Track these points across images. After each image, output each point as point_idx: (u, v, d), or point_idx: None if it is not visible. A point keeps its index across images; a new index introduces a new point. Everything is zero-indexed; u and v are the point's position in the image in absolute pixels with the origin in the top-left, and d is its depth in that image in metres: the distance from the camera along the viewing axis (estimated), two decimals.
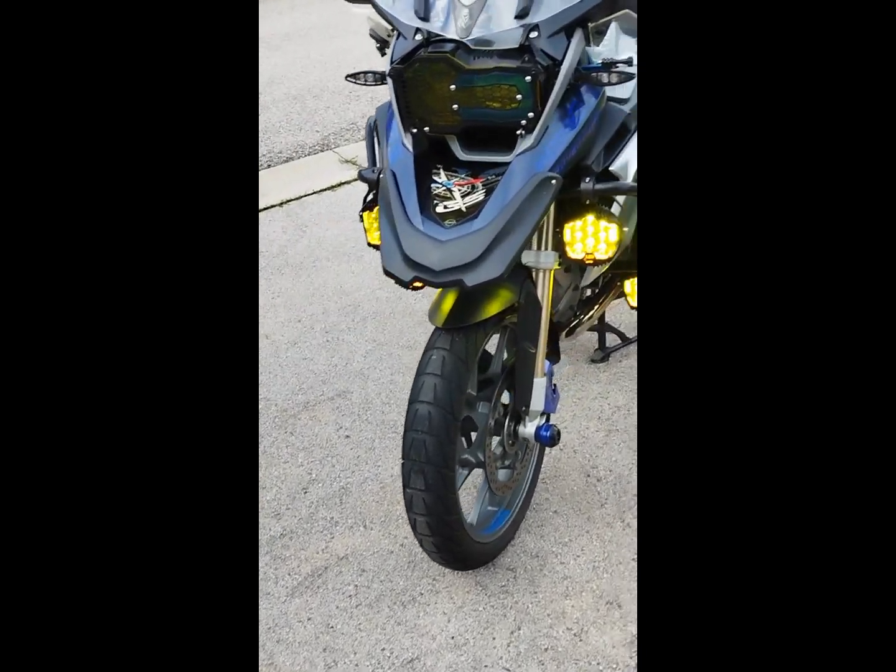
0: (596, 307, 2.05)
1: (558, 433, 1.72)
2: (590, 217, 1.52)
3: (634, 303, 1.92)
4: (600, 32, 1.46)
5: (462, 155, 1.46)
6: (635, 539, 1.86)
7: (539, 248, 1.62)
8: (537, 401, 1.70)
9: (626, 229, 1.58)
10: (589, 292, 2.10)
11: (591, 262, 1.56)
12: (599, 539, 1.88)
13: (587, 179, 1.46)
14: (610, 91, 1.54)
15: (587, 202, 1.52)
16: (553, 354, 1.94)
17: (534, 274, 1.64)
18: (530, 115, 1.37)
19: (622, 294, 2.01)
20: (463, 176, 1.44)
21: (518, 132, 1.40)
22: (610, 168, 1.57)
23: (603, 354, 2.63)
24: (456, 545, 1.59)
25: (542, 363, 1.69)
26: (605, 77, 1.39)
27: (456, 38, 1.37)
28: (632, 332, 2.74)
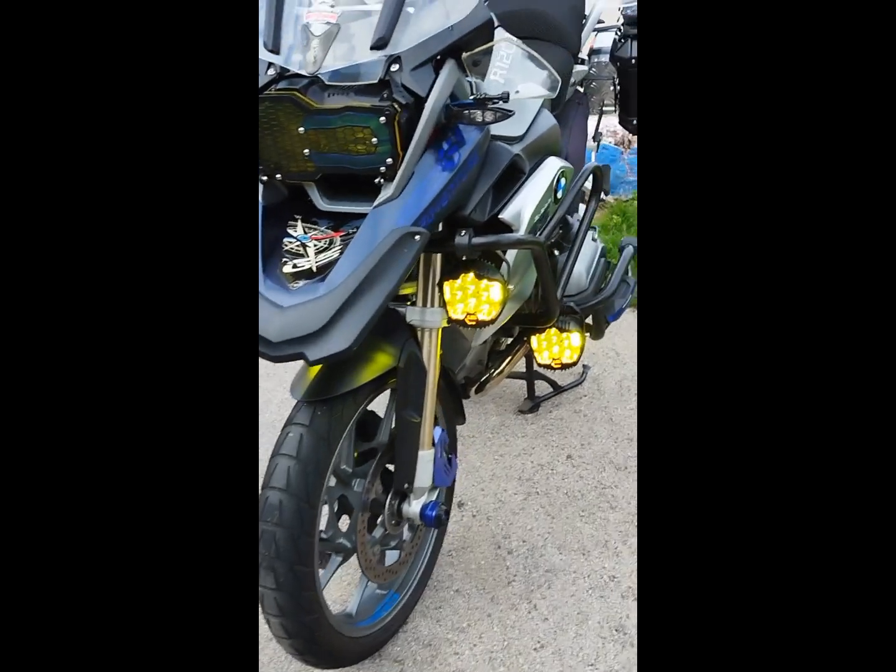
0: (507, 362, 1.86)
1: (446, 513, 1.52)
2: (470, 275, 1.33)
3: (543, 359, 1.73)
4: (476, 63, 1.28)
5: (322, 205, 1.27)
6: (539, 625, 1.67)
7: (425, 304, 1.43)
8: (423, 476, 1.50)
9: (511, 287, 1.40)
10: (505, 343, 1.91)
11: (474, 323, 1.37)
12: (501, 624, 1.68)
13: (462, 233, 1.28)
14: (500, 129, 1.35)
15: (463, 258, 1.34)
16: (457, 416, 1.75)
17: (419, 333, 1.45)
18: (389, 161, 1.18)
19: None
20: (323, 229, 1.25)
21: (377, 180, 1.21)
22: (500, 216, 1.38)
23: (532, 405, 2.45)
24: (322, 646, 1.38)
25: (429, 433, 1.50)
26: (478, 116, 1.21)
27: (304, 72, 1.19)
28: (564, 380, 2.55)
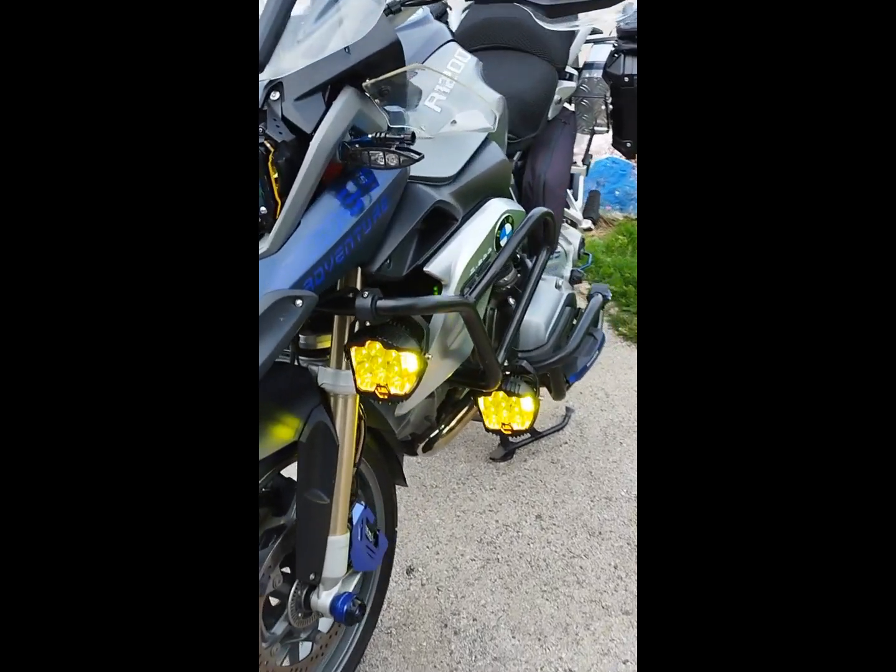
0: (457, 420, 1.64)
1: (360, 608, 1.30)
2: (377, 343, 1.11)
3: (491, 424, 1.51)
4: (383, 93, 1.06)
5: None
6: None
7: (339, 366, 1.22)
8: (334, 565, 1.29)
9: (429, 356, 1.17)
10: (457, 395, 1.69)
11: (385, 397, 1.15)
12: None
13: (365, 294, 1.06)
14: (427, 168, 1.14)
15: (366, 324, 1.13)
16: (394, 478, 1.53)
17: (331, 400, 1.24)
18: (263, 209, 0.97)
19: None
20: None
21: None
22: (426, 269, 1.17)
23: (505, 452, 2.22)
24: None
25: (342, 515, 1.28)
26: (378, 158, 0.99)
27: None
28: (544, 424, 2.33)
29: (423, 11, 1.40)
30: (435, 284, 1.20)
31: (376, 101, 1.06)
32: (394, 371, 1.12)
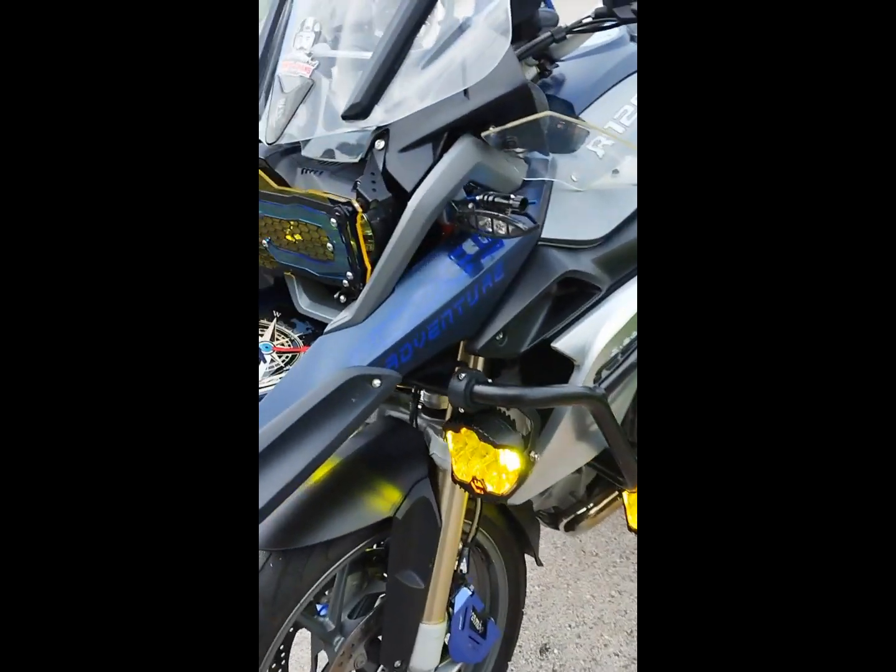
0: (607, 502, 1.42)
1: None
2: (472, 433, 0.95)
3: (633, 523, 1.28)
4: (509, 144, 0.88)
5: (301, 305, 0.97)
6: None
7: None
8: (423, 656, 1.16)
9: (536, 456, 0.99)
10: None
11: (481, 493, 0.98)
12: None
13: (461, 376, 0.90)
14: (565, 230, 0.96)
15: (461, 410, 0.96)
16: (527, 552, 1.37)
17: (439, 474, 1.10)
18: (350, 275, 0.85)
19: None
20: (295, 337, 0.96)
21: (336, 295, 0.89)
22: (555, 345, 0.99)
23: None
24: None
25: (440, 603, 1.15)
26: (487, 224, 0.83)
27: (265, 140, 0.89)
28: None
29: (619, 31, 1.21)
30: (566, 364, 1.02)
31: (510, 149, 0.89)
32: (490, 465, 0.96)
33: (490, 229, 0.83)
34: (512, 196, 0.81)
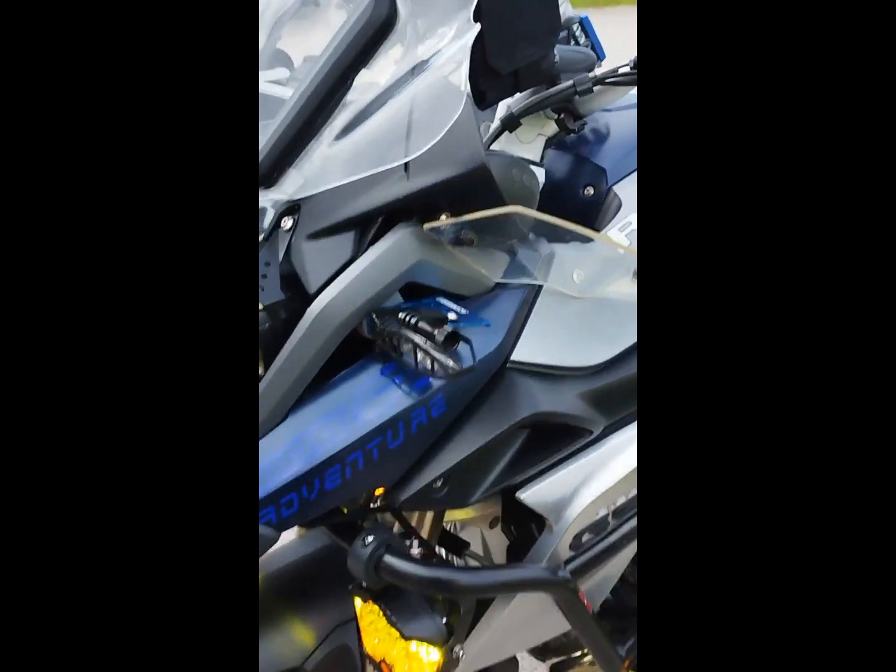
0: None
1: None
2: (377, 610, 0.71)
3: None
4: (462, 241, 0.64)
5: None
6: None
7: None
8: None
9: (462, 652, 0.74)
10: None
11: None
12: None
13: (367, 540, 0.66)
14: (553, 352, 0.71)
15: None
16: None
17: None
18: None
19: None
20: None
21: None
22: (520, 496, 0.74)
23: None
24: None
25: None
26: (408, 353, 0.59)
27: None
28: None
29: None
30: (535, 522, 0.77)
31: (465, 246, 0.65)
32: (403, 653, 0.72)
33: (411, 360, 0.60)
34: (437, 330, 0.57)
